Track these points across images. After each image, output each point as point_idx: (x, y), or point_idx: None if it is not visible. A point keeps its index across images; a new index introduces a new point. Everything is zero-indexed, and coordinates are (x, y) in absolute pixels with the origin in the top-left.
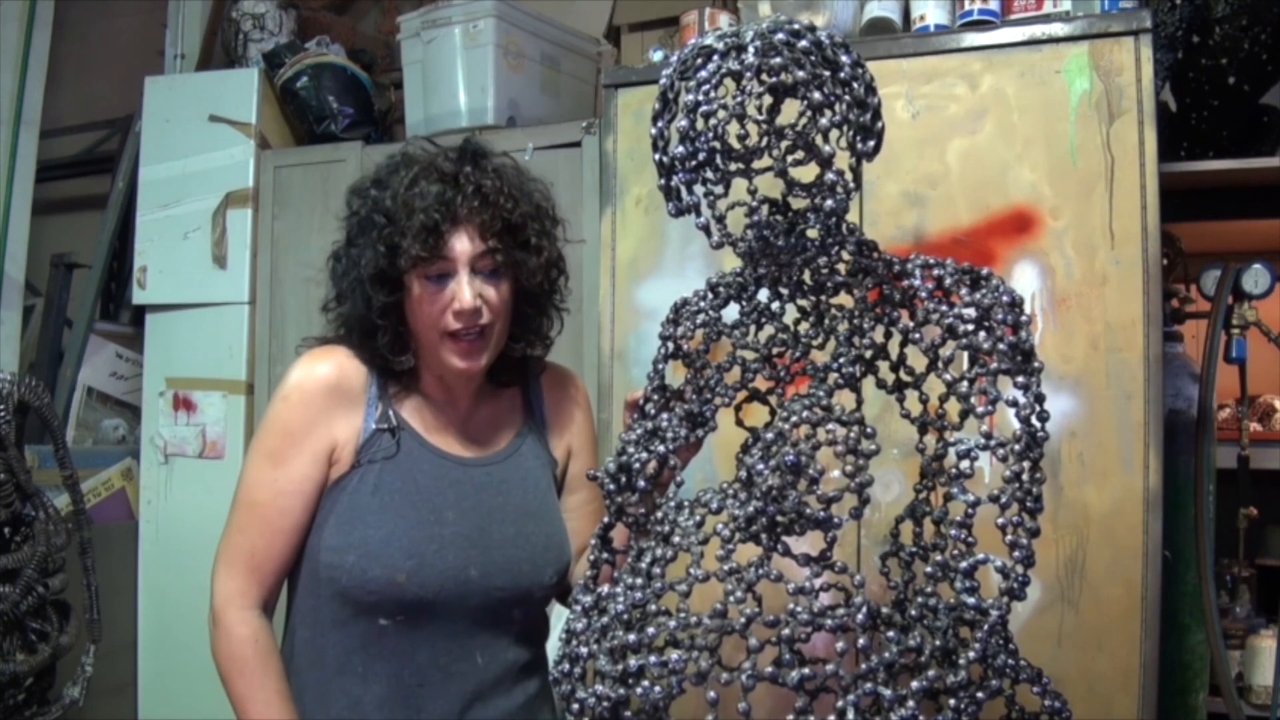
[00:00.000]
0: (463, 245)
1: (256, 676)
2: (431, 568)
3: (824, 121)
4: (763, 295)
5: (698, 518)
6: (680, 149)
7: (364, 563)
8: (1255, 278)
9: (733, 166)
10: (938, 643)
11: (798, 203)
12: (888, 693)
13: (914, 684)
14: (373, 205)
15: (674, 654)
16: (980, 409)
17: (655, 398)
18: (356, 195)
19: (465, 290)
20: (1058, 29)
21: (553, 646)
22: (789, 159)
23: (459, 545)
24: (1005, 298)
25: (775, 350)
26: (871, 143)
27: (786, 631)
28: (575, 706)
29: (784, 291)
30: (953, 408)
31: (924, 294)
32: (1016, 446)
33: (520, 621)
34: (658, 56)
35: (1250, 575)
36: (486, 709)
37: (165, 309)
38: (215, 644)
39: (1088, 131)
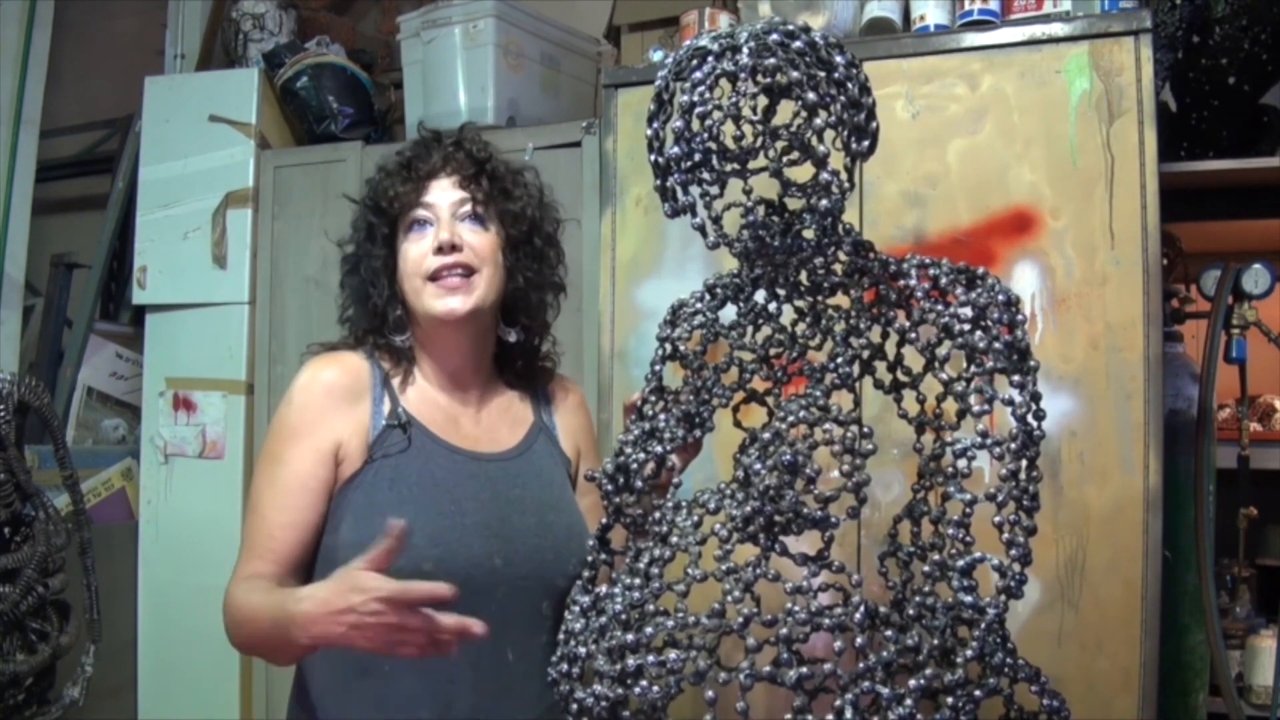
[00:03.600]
0: (441, 192)
1: (245, 598)
2: (456, 557)
3: (819, 122)
4: (759, 296)
5: (695, 518)
6: (675, 150)
7: None
8: (1255, 278)
9: (728, 167)
10: (935, 642)
11: (793, 203)
12: (886, 692)
13: (912, 683)
14: (370, 179)
15: (672, 654)
16: (977, 408)
17: (652, 399)
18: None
19: (444, 228)
20: (1058, 29)
21: None
22: (784, 159)
23: (482, 535)
24: (1001, 297)
25: (772, 351)
26: (866, 143)
27: (784, 631)
28: (574, 707)
29: (781, 292)
30: (950, 407)
31: (920, 294)
32: (1013, 445)
33: (551, 617)
34: (658, 56)
35: (1250, 575)
36: (516, 706)
37: (165, 309)
38: (225, 623)
39: (1088, 131)
